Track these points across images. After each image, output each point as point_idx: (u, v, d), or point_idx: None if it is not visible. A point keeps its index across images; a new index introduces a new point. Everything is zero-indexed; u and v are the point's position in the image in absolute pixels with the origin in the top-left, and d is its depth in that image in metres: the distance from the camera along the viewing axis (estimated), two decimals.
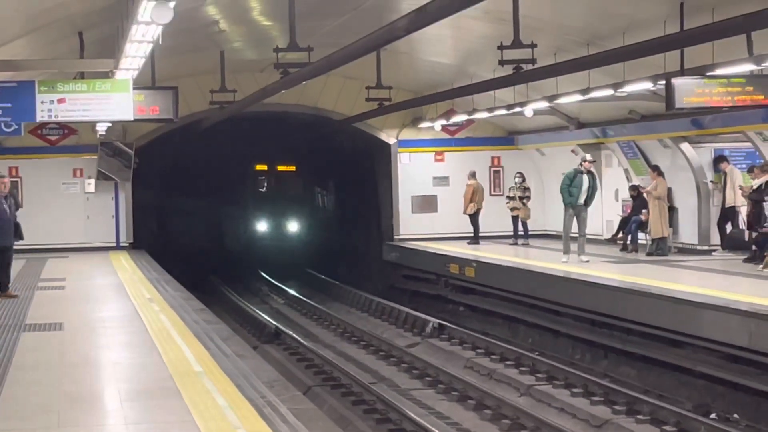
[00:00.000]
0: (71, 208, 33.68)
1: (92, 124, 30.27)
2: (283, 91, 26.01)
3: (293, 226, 45.53)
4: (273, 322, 28.50)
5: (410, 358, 22.57)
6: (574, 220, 26.44)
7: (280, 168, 47.08)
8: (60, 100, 21.18)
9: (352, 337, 26.29)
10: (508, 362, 22.56)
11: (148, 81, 23.64)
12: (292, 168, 47.09)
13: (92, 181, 35.04)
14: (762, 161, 26.63)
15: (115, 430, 11.64)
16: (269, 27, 23.25)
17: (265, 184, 46.55)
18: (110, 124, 30.27)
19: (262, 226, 45.44)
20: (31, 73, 21.82)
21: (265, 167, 46.80)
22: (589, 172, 26.40)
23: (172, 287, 25.26)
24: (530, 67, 20.56)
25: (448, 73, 31.00)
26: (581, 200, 26.04)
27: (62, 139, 34.28)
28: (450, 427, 17.22)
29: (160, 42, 17.50)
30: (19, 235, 21.98)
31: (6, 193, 21.87)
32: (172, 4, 14.08)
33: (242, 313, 31.32)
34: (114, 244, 35.56)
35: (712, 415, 17.47)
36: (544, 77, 21.93)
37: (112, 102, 21.29)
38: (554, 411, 18.71)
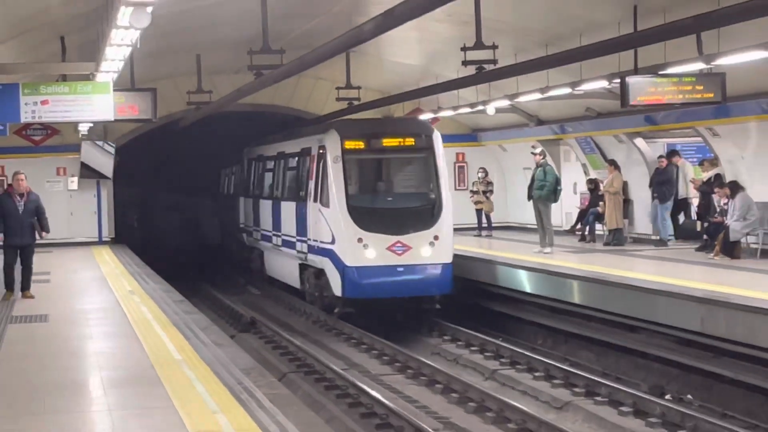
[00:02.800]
0: (55, 204, 33.36)
1: (74, 125, 30.23)
2: (257, 92, 26.04)
3: None
4: (249, 312, 28.46)
5: (381, 345, 22.59)
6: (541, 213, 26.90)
7: None
8: (43, 102, 21.13)
9: (325, 326, 26.25)
10: (473, 348, 22.78)
11: (127, 83, 23.58)
12: None
13: (75, 178, 35.00)
14: (711, 155, 26.82)
15: (99, 416, 11.65)
16: (243, 31, 23.15)
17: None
18: (92, 125, 30.22)
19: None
20: (14, 76, 21.67)
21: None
22: (540, 166, 27.03)
23: (152, 280, 25.27)
24: (492, 67, 20.57)
25: (414, 74, 31.02)
26: (537, 194, 26.83)
27: (46, 139, 34.18)
28: (418, 410, 17.20)
29: (138, 45, 17.48)
30: (45, 229, 21.84)
31: (23, 192, 21.68)
32: (149, 9, 14.04)
33: (219, 303, 31.20)
34: (96, 239, 35.53)
35: (667, 396, 17.54)
36: (505, 77, 21.95)
37: (94, 103, 21.21)
38: (518, 393, 18.76)
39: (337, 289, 24.80)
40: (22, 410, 11.81)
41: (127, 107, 23.29)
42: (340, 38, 18.05)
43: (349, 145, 25.42)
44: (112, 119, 22.11)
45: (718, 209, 25.15)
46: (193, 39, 26.46)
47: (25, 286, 21.60)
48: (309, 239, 26.62)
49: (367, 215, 24.86)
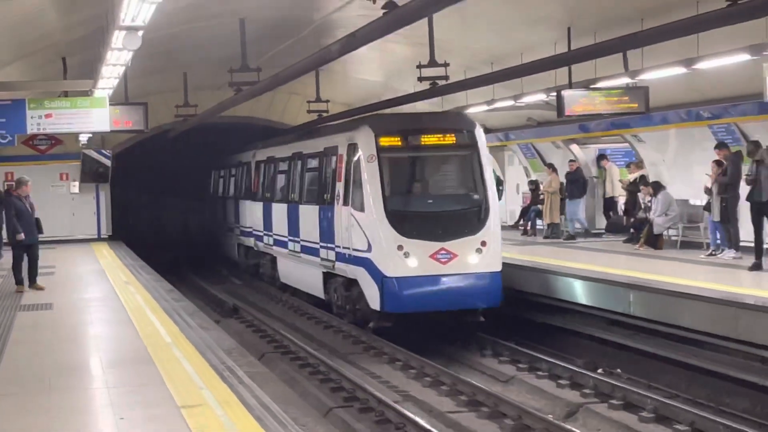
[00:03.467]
0: (59, 206, 33.44)
1: (75, 135, 30.09)
2: (237, 105, 25.98)
3: None
4: (232, 300, 28.38)
5: (347, 327, 22.50)
6: None
7: None
8: (47, 115, 21.21)
9: (299, 311, 26.17)
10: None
11: (122, 98, 23.56)
12: None
13: (77, 183, 34.86)
14: (636, 159, 27.05)
15: (98, 393, 11.64)
16: (224, 51, 23.14)
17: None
18: (91, 135, 30.13)
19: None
20: (21, 92, 21.68)
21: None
22: None
23: (145, 272, 25.16)
24: (444, 82, 20.66)
25: (376, 88, 31.01)
26: None
27: (50, 148, 34.00)
28: (380, 384, 17.20)
29: (129, 65, 17.49)
30: (40, 230, 21.72)
31: (28, 194, 21.64)
32: (140, 33, 14.04)
33: (205, 292, 31.10)
34: (96, 236, 35.36)
35: (599, 370, 17.58)
36: (455, 91, 22.02)
37: (92, 116, 21.37)
38: (466, 368, 18.84)
39: (373, 301, 20.02)
40: (30, 388, 11.78)
41: (122, 119, 23.44)
42: (310, 58, 18.10)
43: (385, 142, 20.56)
44: (109, 130, 22.24)
45: (642, 206, 25.33)
46: (180, 59, 26.38)
47: (34, 279, 21.50)
48: (337, 246, 21.78)
49: (408, 220, 20.17)
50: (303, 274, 25.75)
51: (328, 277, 23.26)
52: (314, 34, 22.40)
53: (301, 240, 25.05)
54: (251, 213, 31.46)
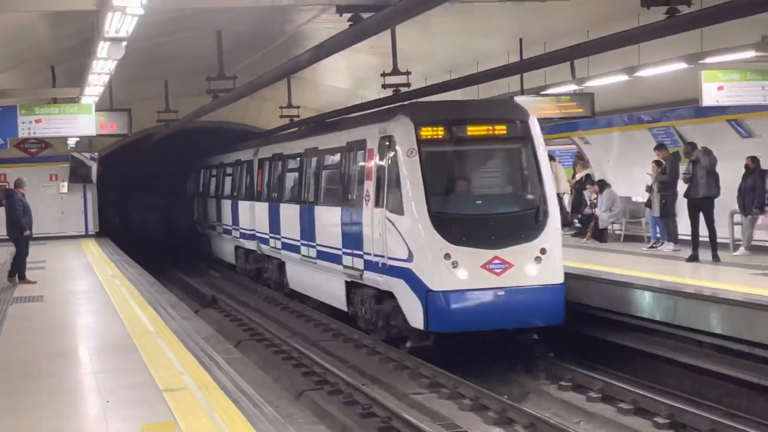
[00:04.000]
0: (49, 205, 33.29)
1: (64, 139, 29.93)
2: (215, 111, 25.91)
3: None
4: (211, 291, 28.30)
5: (318, 316, 22.49)
6: None
7: None
8: (37, 121, 21.45)
9: (273, 302, 26.11)
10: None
11: (107, 104, 23.44)
12: None
13: (65, 183, 34.76)
14: (582, 160, 27.23)
15: (86, 378, 11.58)
16: (202, 61, 23.06)
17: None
18: (78, 139, 29.98)
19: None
20: (13, 99, 21.77)
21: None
22: None
23: (129, 266, 25.05)
24: (406, 89, 20.63)
25: (344, 95, 30.99)
26: None
27: (40, 151, 33.87)
28: (345, 366, 17.15)
29: (114, 73, 17.42)
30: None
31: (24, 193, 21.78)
32: (124, 44, 13.96)
33: (186, 284, 30.99)
34: (84, 233, 35.16)
35: (551, 354, 17.28)
36: (416, 98, 21.93)
37: (79, 121, 21.75)
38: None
39: (414, 319, 15.91)
40: (21, 373, 11.72)
41: (107, 124, 23.36)
42: (282, 66, 18.03)
43: (426, 133, 16.44)
44: (95, 134, 22.68)
45: (588, 203, 25.45)
46: (161, 68, 26.27)
47: (23, 274, 21.37)
48: (366, 253, 17.53)
49: (455, 225, 15.97)
50: (319, 283, 21.41)
51: (353, 287, 19.05)
52: (286, 45, 22.34)
53: (318, 245, 20.72)
54: (253, 214, 27.21)
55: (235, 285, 30.34)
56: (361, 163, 18.04)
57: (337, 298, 20.03)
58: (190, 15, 17.53)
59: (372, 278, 17.39)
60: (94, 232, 35.52)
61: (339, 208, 19.18)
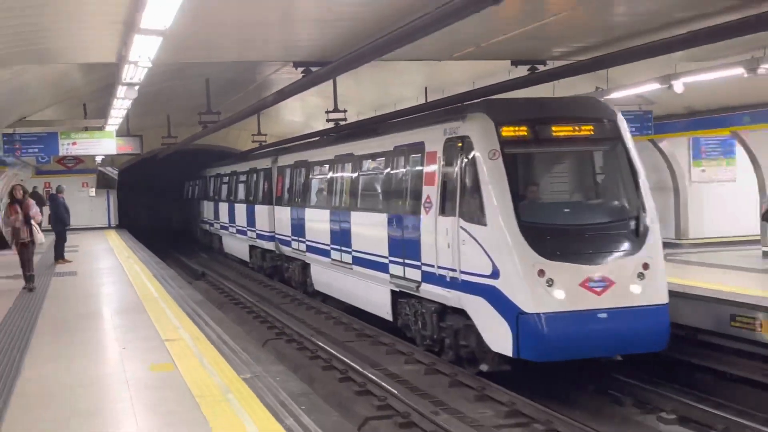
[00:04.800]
0: (82, 204, 33.04)
1: (93, 156, 29.65)
2: (204, 137, 25.75)
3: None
4: (201, 268, 28.08)
5: (280, 286, 22.36)
6: None
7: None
8: (73, 143, 21.60)
9: (247, 277, 25.86)
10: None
11: (124, 131, 23.45)
12: None
13: (93, 189, 34.53)
14: None
15: (109, 331, 11.48)
16: (196, 100, 22.96)
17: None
18: (103, 156, 29.72)
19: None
20: (55, 127, 21.71)
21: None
22: None
23: (141, 250, 24.78)
24: (343, 122, 20.66)
25: (299, 126, 30.87)
26: None
27: (75, 165, 33.41)
28: (310, 329, 17.13)
29: (129, 108, 17.33)
30: None
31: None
32: (136, 87, 13.91)
33: (183, 263, 30.69)
34: (107, 225, 34.75)
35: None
36: (351, 130, 22.05)
37: (104, 144, 22.05)
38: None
39: (499, 343, 10.57)
40: (61, 328, 11.63)
41: (125, 146, 23.54)
42: (254, 105, 17.98)
43: (509, 133, 11.08)
44: (115, 153, 23.09)
45: None
46: (165, 105, 25.98)
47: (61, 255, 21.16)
48: (425, 264, 12.22)
49: (549, 237, 10.64)
50: (354, 289, 15.90)
51: (400, 296, 13.64)
52: (257, 89, 22.26)
53: (354, 250, 15.47)
54: (272, 218, 22.20)
55: (219, 264, 30.09)
56: (417, 167, 12.82)
57: (380, 308, 14.45)
58: (186, 67, 17.41)
59: (434, 292, 11.98)
60: (115, 225, 35.13)
61: (385, 215, 13.92)
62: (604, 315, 10.27)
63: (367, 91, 23.27)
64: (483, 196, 10.84)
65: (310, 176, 19.02)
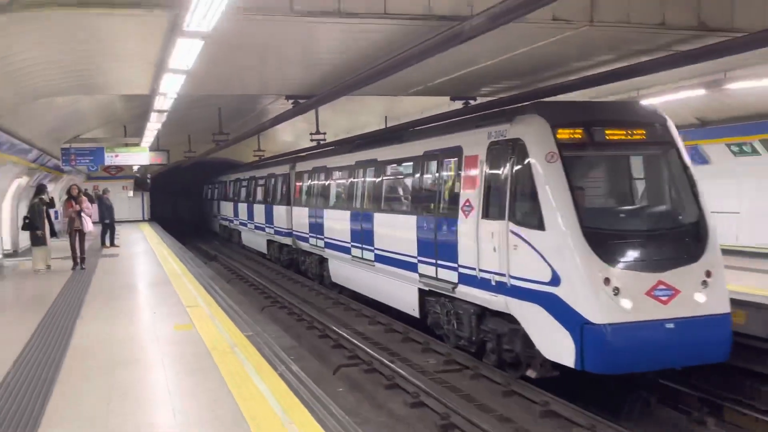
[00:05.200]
0: (122, 203, 32.81)
1: (131, 166, 29.34)
2: (217, 151, 25.60)
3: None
4: (213, 252, 27.87)
5: (272, 265, 22.14)
6: None
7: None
8: (116, 155, 21.53)
9: (251, 259, 25.69)
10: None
11: (155, 146, 23.26)
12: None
13: (131, 191, 34.26)
14: None
15: (142, 300, 11.44)
16: (210, 123, 22.87)
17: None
18: (139, 166, 29.45)
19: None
20: (102, 143, 21.53)
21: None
22: None
23: (168, 238, 24.57)
24: (323, 141, 20.66)
25: (290, 144, 30.74)
26: None
27: (117, 172, 33.02)
28: (298, 299, 16.84)
29: (160, 129, 17.19)
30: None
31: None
32: (165, 115, 13.85)
33: (200, 247, 30.42)
34: (141, 219, 34.44)
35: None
36: (329, 147, 22.04)
37: (139, 156, 22.04)
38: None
39: (560, 353, 7.88)
40: (104, 300, 11.50)
41: (156, 158, 23.43)
42: (255, 127, 17.94)
43: (564, 135, 8.43)
44: (148, 164, 22.91)
45: None
46: (186, 127, 25.66)
47: (113, 241, 21.06)
48: (464, 266, 9.74)
49: (614, 243, 7.93)
50: (376, 284, 13.31)
51: (428, 295, 11.14)
52: (257, 115, 22.17)
53: (377, 249, 12.81)
54: (290, 216, 19.68)
55: (228, 250, 29.91)
56: (452, 171, 10.31)
57: (407, 305, 11.90)
58: (203, 98, 17.34)
59: (473, 294, 9.46)
60: (148, 219, 34.73)
61: (413, 217, 11.28)
62: (671, 325, 7.79)
63: (340, 118, 23.29)
64: (540, 200, 8.20)
65: (330, 180, 16.38)
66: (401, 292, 12.06)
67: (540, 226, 8.19)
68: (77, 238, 15.22)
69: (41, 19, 7.59)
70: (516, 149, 8.74)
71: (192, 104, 18.59)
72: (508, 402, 8.58)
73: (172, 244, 21.90)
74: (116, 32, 8.38)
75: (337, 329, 12.37)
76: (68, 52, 9.44)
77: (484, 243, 9.18)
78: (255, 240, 25.70)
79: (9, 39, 8.23)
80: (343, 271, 15.35)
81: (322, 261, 17.03)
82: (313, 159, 18.59)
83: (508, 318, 8.85)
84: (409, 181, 12.01)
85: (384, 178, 13.17)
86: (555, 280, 7.97)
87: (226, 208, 31.52)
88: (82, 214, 15.17)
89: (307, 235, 17.72)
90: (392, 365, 9.96)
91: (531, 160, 8.49)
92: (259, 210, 24.32)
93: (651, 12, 8.54)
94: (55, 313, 10.15)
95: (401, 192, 12.51)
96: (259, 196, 24.75)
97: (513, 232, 8.59)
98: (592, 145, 8.71)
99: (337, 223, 15.22)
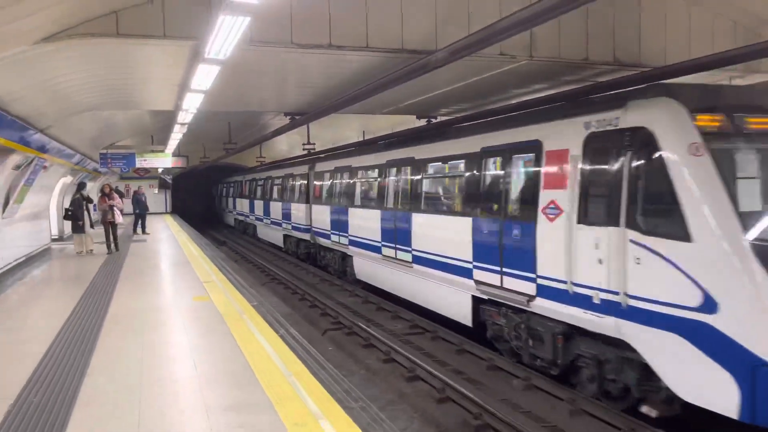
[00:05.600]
0: (151, 198, 32.31)
1: (157, 168, 28.87)
2: (227, 158, 25.20)
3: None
4: (223, 238, 27.43)
5: (271, 248, 21.92)
6: None
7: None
8: (144, 160, 21.11)
9: (254, 245, 25.29)
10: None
11: (177, 152, 22.82)
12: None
13: (156, 189, 33.85)
14: None
15: (165, 277, 11.20)
16: (221, 134, 22.50)
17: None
18: (163, 168, 29.00)
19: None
20: (133, 150, 21.10)
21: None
22: None
23: (187, 227, 24.17)
24: (313, 150, 20.44)
25: (285, 152, 30.39)
26: None
27: (145, 174, 32.33)
28: (292, 276, 16.63)
29: (180, 139, 16.84)
30: (146, 208, 21.35)
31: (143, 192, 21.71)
32: (185, 127, 13.58)
33: (212, 235, 29.93)
34: (165, 211, 33.95)
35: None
36: (320, 155, 21.83)
37: (163, 160, 21.70)
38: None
39: (711, 399, 4.17)
40: (135, 277, 11.24)
41: (176, 162, 23.05)
42: (258, 138, 17.73)
43: (705, 122, 4.20)
44: (170, 166, 22.22)
45: None
46: (201, 137, 25.13)
47: (144, 229, 20.59)
48: (544, 278, 6.35)
49: None
50: (412, 286, 10.05)
51: (483, 303, 8.01)
52: (261, 128, 21.87)
53: (415, 250, 9.71)
54: (309, 214, 16.43)
55: (235, 236, 29.53)
56: (525, 169, 7.18)
57: (456, 312, 8.66)
58: (215, 114, 17.07)
59: (560, 311, 6.45)
60: (170, 212, 34.26)
61: (468, 219, 8.17)
62: None
63: (326, 132, 23.08)
64: (682, 203, 5.19)
65: (355, 179, 12.97)
66: (449, 298, 8.76)
67: (683, 236, 5.12)
68: (110, 228, 14.88)
69: (84, 47, 7.39)
70: (637, 141, 5.56)
71: (207, 119, 18.27)
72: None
73: (191, 232, 21.54)
74: (148, 59, 8.23)
75: (322, 300, 12.30)
76: (106, 75, 9.22)
77: (581, 252, 6.08)
78: (271, 234, 22.15)
79: (56, 63, 8.02)
80: (369, 268, 11.98)
81: (345, 257, 13.79)
82: (335, 159, 15.09)
83: (614, 342, 5.89)
84: (460, 181, 8.62)
85: (424, 176, 9.80)
86: (709, 306, 4.94)
87: (242, 204, 28.12)
88: (114, 207, 14.87)
89: (328, 232, 14.34)
90: (369, 329, 9.92)
91: (665, 153, 5.32)
92: (276, 207, 20.87)
93: (577, 50, 8.64)
94: (95, 288, 9.92)
95: (450, 192, 9.24)
96: (275, 194, 21.30)
97: (635, 242, 5.51)
98: (738, 137, 5.38)
99: (365, 222, 11.88)
